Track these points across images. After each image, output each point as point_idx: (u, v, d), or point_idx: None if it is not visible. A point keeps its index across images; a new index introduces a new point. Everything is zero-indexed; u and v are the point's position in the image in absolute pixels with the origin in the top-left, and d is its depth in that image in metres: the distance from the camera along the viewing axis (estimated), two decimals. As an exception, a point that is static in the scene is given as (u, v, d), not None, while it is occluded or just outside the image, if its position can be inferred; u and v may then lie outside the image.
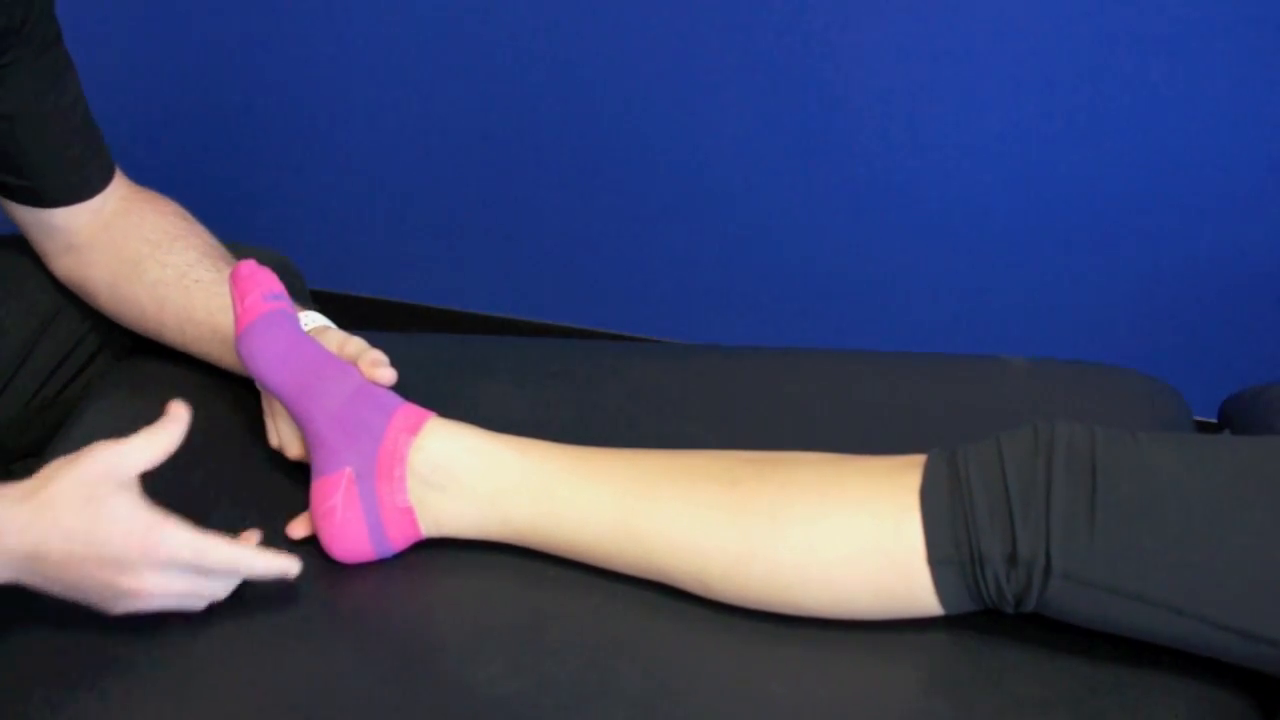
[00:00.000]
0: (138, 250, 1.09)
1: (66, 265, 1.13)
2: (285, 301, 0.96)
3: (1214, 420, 1.11)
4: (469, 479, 0.91)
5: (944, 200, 1.61)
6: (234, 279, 0.95)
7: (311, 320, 1.04)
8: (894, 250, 1.67)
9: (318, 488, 0.93)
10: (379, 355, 0.96)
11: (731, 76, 1.61)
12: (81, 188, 1.09)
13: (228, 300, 1.03)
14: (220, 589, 0.88)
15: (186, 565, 0.85)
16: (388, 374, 0.95)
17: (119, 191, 1.12)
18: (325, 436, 0.93)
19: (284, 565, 0.88)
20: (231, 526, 0.92)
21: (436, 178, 1.84)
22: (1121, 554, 0.76)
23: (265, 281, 0.95)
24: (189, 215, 1.14)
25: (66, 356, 1.17)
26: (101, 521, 0.82)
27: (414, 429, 0.93)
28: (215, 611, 0.91)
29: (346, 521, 0.92)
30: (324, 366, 0.94)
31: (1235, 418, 1.08)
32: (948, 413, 1.06)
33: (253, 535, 0.93)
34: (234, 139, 1.91)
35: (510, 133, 1.76)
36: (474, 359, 1.17)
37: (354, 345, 0.99)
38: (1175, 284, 1.58)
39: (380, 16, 1.73)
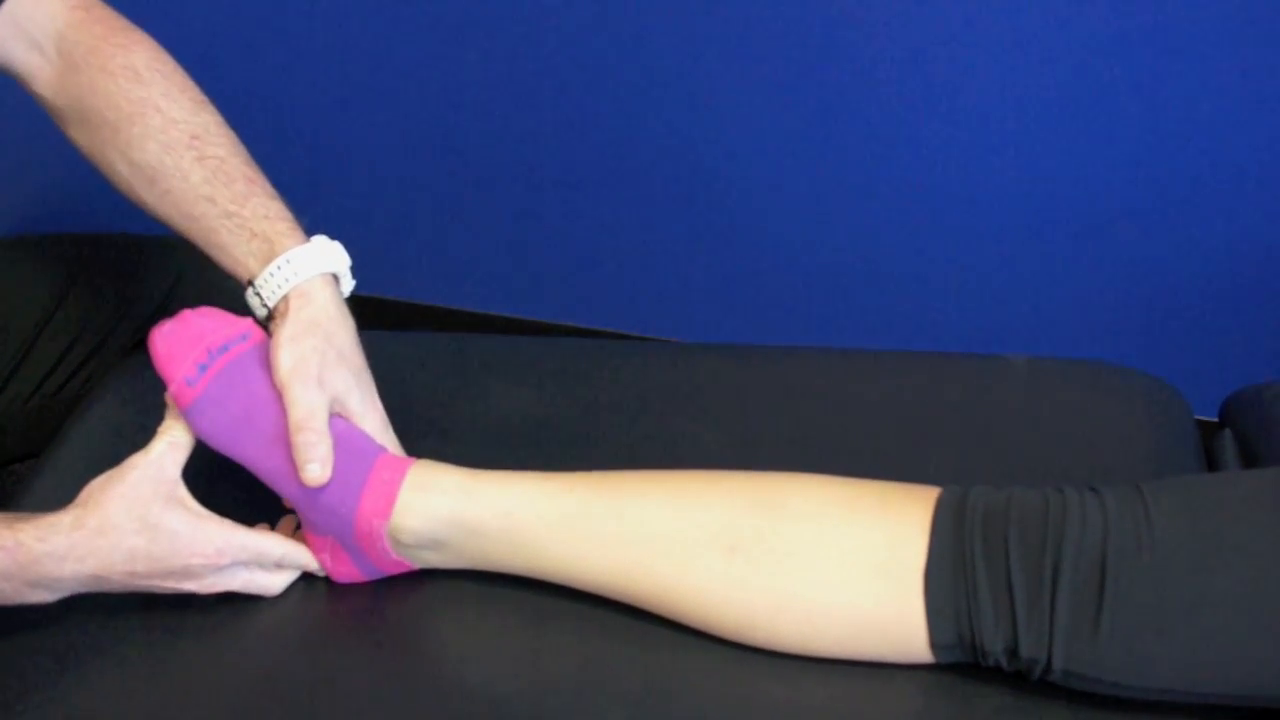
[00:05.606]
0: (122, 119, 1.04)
1: (60, 88, 1.05)
2: (218, 359, 0.88)
3: (1214, 419, 1.11)
4: (455, 544, 0.90)
5: (944, 199, 1.61)
6: (153, 356, 0.88)
7: (299, 270, 1.02)
8: (894, 249, 1.66)
9: (306, 537, 0.92)
10: (307, 447, 0.87)
11: (732, 76, 1.61)
12: None
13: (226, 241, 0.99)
14: (277, 584, 0.92)
15: (247, 563, 0.89)
16: (314, 476, 0.87)
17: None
18: (300, 511, 0.91)
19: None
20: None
21: (437, 177, 1.83)
22: (1126, 658, 0.77)
23: (189, 354, 0.88)
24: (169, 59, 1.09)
25: (65, 354, 1.17)
26: (161, 540, 0.85)
27: (384, 513, 0.88)
28: (216, 612, 0.91)
29: (338, 571, 0.92)
30: (276, 456, 0.88)
31: (1235, 417, 1.08)
32: (948, 412, 1.06)
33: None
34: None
35: (511, 132, 1.76)
36: (474, 359, 1.17)
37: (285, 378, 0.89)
38: (1176, 282, 1.58)
39: (381, 16, 1.73)
